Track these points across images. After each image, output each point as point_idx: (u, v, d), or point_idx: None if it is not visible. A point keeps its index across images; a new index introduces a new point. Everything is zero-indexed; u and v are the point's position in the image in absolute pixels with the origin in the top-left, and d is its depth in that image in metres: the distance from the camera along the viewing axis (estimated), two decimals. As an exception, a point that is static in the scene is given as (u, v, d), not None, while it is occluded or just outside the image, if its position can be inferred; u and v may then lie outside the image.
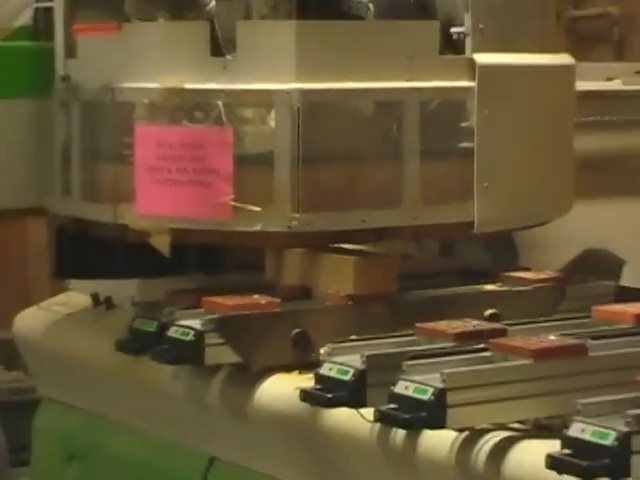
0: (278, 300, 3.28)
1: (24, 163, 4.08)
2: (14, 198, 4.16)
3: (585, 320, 3.11)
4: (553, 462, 2.11)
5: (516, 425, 2.55)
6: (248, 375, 3.28)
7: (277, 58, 3.26)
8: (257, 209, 3.17)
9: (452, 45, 3.41)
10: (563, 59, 3.59)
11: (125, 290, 4.08)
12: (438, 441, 2.56)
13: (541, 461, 2.18)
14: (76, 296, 4.48)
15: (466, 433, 2.52)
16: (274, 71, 3.23)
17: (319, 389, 2.72)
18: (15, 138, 4.05)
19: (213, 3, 3.56)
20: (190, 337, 3.13)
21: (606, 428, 2.06)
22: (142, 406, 3.97)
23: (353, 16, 3.52)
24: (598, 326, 3.02)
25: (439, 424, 2.41)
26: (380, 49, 3.32)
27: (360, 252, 3.49)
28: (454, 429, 2.49)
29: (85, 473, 4.22)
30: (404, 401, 2.46)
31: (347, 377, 2.67)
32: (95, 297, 4.21)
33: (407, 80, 3.27)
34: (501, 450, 2.47)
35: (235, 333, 3.19)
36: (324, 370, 2.73)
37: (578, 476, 2.05)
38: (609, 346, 2.79)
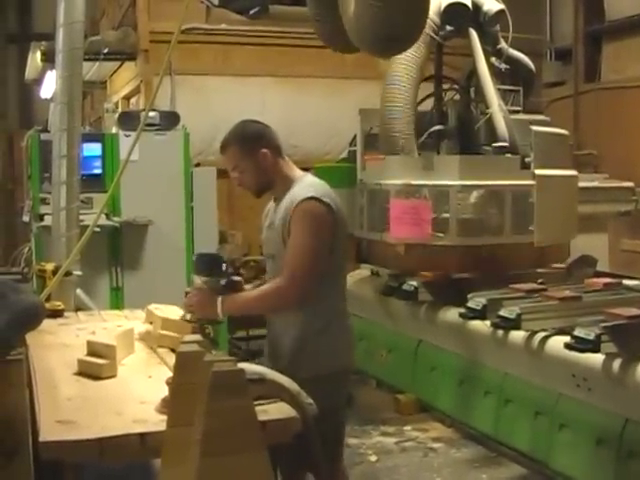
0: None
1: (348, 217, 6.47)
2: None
3: (581, 285, 5.59)
4: (566, 346, 4.36)
5: (549, 329, 4.73)
6: (427, 305, 5.88)
7: (451, 171, 6.00)
8: (441, 235, 5.98)
9: (525, 165, 6.16)
10: (573, 172, 6.26)
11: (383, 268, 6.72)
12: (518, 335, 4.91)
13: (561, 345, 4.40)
14: (363, 271, 7.20)
15: (530, 332, 4.83)
16: (449, 176, 6.02)
17: (467, 312, 5.27)
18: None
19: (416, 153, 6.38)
20: (412, 289, 5.87)
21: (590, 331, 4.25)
22: (390, 316, 6.52)
23: (479, 152, 6.40)
24: (586, 288, 5.47)
25: (518, 328, 4.82)
26: (493, 166, 6.13)
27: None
28: (525, 330, 4.84)
29: (367, 345, 6.80)
30: (504, 319, 4.81)
31: (479, 307, 5.19)
32: (371, 271, 6.95)
33: (505, 180, 6.11)
34: (544, 339, 4.78)
35: (431, 287, 5.83)
36: (471, 304, 5.23)
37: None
38: (591, 297, 5.20)
